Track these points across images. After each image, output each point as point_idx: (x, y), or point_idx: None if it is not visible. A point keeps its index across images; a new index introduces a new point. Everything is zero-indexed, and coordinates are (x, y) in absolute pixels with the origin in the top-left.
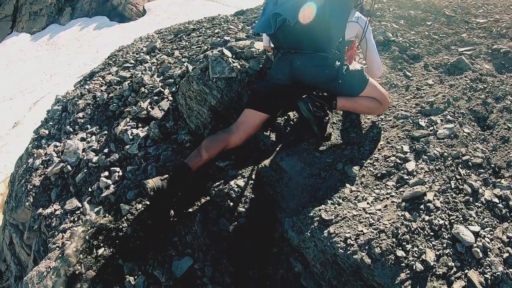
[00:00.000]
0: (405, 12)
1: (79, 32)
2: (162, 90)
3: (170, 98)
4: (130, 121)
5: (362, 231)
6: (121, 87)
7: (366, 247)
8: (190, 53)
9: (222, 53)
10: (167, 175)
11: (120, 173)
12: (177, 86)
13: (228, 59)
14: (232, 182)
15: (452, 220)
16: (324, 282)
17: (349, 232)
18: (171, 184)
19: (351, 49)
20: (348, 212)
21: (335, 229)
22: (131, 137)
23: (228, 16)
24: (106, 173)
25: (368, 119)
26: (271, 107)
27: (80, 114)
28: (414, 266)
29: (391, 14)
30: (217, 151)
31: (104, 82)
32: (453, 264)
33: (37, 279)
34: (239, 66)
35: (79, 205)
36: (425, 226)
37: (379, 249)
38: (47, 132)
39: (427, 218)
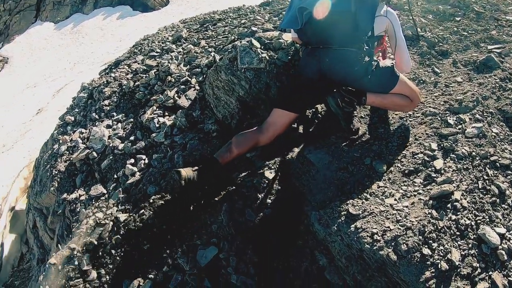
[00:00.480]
0: (434, 7)
1: (102, 22)
2: (189, 79)
3: (197, 87)
4: (157, 109)
5: (389, 227)
6: (147, 75)
7: (393, 244)
8: (216, 43)
9: (251, 43)
10: (197, 167)
11: (146, 161)
12: (204, 76)
13: (257, 50)
14: (259, 173)
15: (479, 221)
16: (348, 277)
17: (376, 228)
18: (200, 176)
19: (381, 44)
20: (375, 207)
21: (362, 224)
22: (157, 125)
23: (254, 6)
24: (132, 160)
25: (396, 114)
26: (300, 106)
27: (106, 102)
28: (439, 265)
29: (419, 8)
30: (247, 148)
31: (130, 71)
32: (477, 265)
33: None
34: (267, 57)
35: (104, 191)
36: (452, 225)
37: (405, 246)
38: (72, 118)
39: (453, 217)
